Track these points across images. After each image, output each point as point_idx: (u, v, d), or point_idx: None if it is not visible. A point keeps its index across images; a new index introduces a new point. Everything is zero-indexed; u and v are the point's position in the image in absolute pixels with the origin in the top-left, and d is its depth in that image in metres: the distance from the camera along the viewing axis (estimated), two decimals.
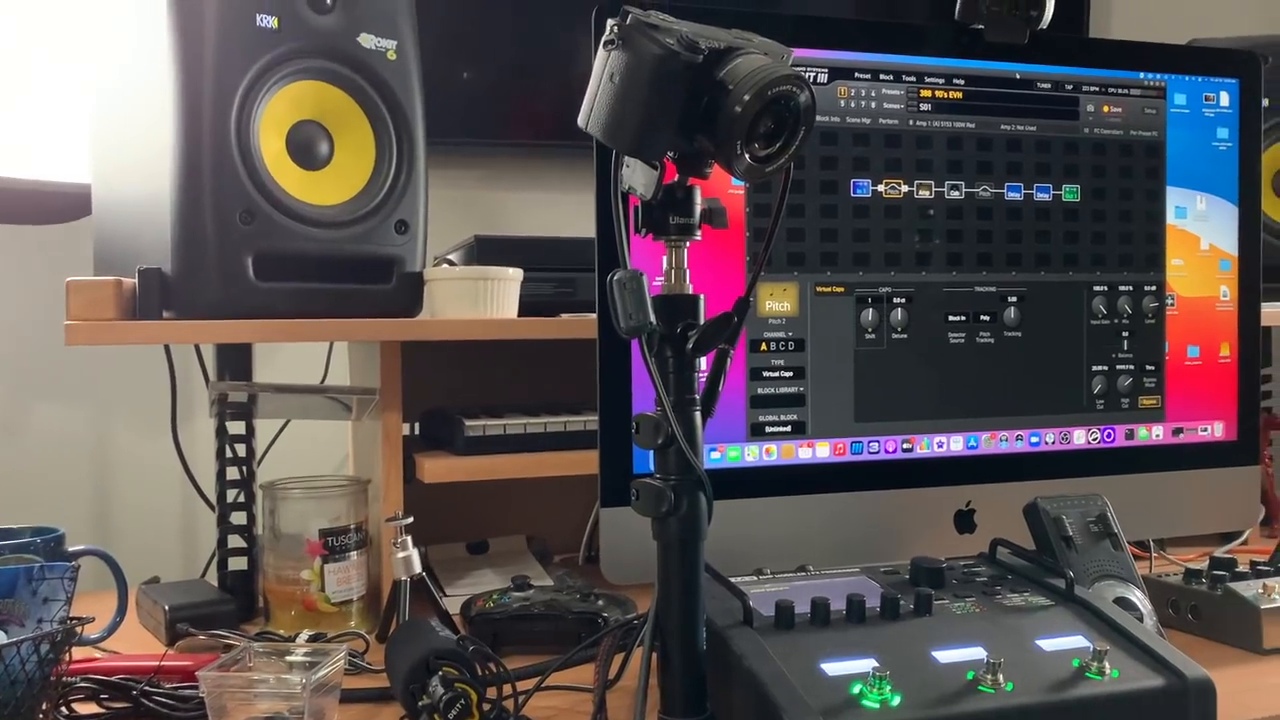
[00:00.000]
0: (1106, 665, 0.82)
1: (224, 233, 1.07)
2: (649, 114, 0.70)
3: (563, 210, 1.80)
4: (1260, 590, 1.07)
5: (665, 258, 0.79)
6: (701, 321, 0.79)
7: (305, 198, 1.13)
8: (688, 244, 0.79)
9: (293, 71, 1.11)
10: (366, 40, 1.15)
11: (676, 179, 0.78)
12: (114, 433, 1.63)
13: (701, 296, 0.80)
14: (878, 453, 1.13)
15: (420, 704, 0.79)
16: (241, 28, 1.08)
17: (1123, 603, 0.97)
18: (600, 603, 1.10)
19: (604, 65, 0.71)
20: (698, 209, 0.79)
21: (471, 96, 1.75)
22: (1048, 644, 0.85)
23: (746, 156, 0.72)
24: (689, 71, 0.70)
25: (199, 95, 1.06)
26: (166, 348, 1.40)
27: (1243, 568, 1.15)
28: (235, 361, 1.29)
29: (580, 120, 0.74)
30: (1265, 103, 1.56)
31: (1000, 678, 0.79)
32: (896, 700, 0.77)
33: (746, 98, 0.70)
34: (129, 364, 1.60)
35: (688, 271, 0.80)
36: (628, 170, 0.75)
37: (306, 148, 1.14)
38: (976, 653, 0.82)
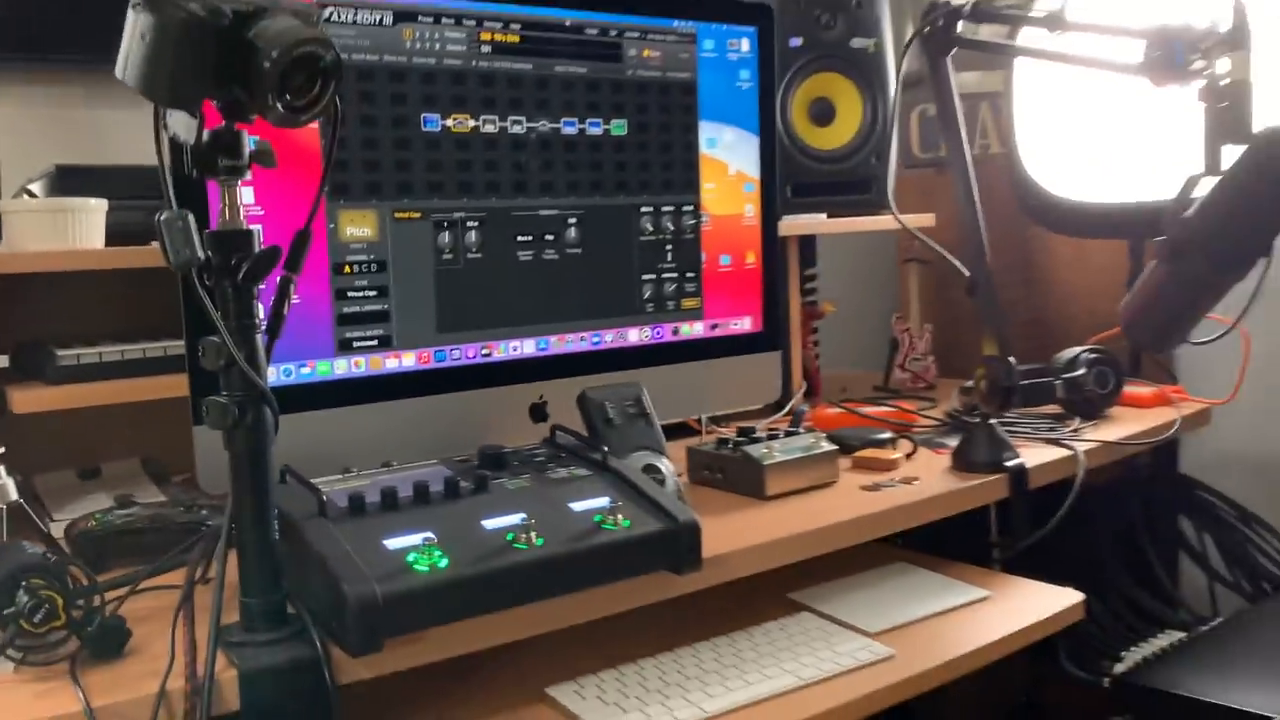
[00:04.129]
0: (619, 517, 1.03)
1: None
2: (180, 71, 0.78)
3: None
4: (765, 450, 1.34)
5: (219, 196, 0.88)
6: (255, 253, 0.89)
7: None
8: (238, 182, 0.88)
9: None
10: None
11: (224, 124, 0.86)
12: None
13: (255, 230, 0.89)
14: (459, 359, 1.28)
15: (5, 613, 0.85)
16: None
17: (650, 469, 1.19)
18: (204, 513, 1.18)
19: (134, 25, 0.78)
20: (246, 151, 0.88)
21: (72, 8, 1.66)
22: (578, 505, 1.05)
23: (279, 107, 0.82)
24: (216, 34, 0.79)
25: None
26: None
27: (761, 434, 1.42)
28: None
29: (117, 72, 0.81)
30: (800, 41, 1.85)
31: (532, 535, 0.98)
32: (444, 563, 0.93)
33: (274, 55, 0.80)
34: None
35: (241, 208, 0.89)
36: (171, 119, 0.83)
37: None
38: (517, 518, 1.00)
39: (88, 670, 0.87)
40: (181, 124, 0.82)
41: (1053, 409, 1.70)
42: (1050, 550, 1.38)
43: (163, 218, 0.81)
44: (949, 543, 1.47)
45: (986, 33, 1.71)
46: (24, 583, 0.87)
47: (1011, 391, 1.39)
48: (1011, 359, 1.40)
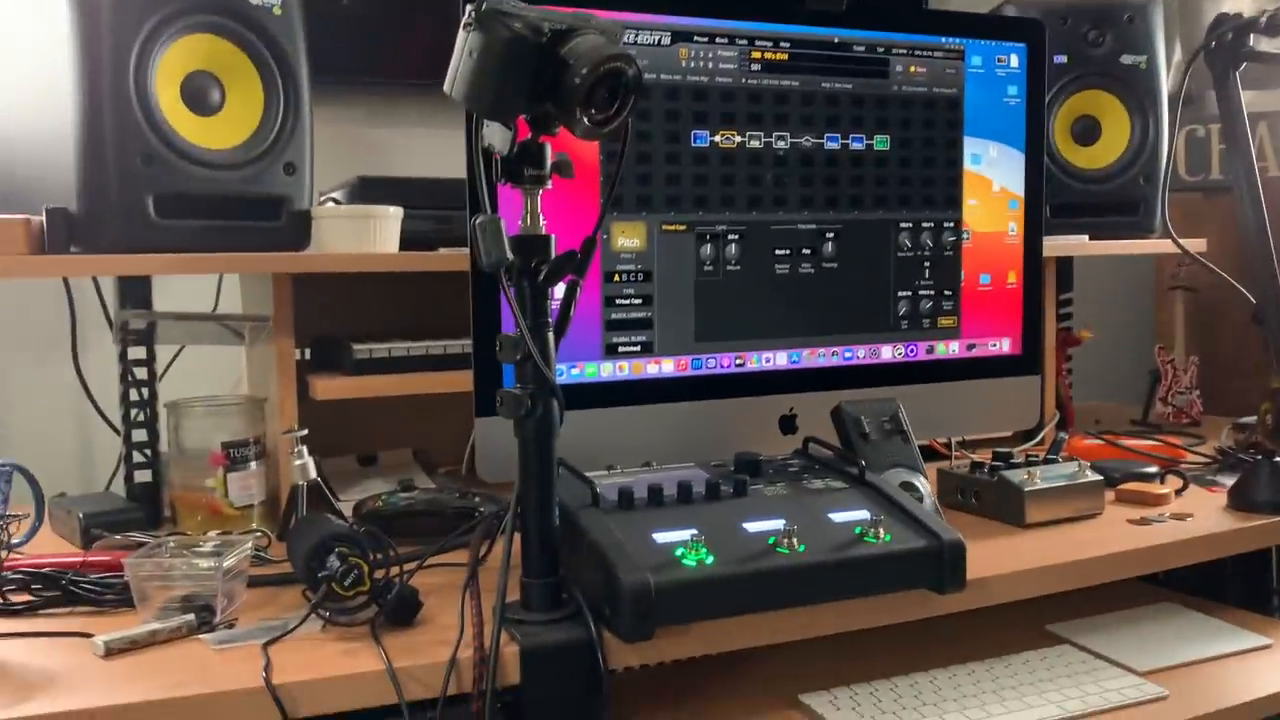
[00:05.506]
0: (881, 531, 1.03)
1: (126, 175, 1.18)
2: (502, 85, 0.85)
3: (445, 144, 1.90)
4: (1025, 476, 1.29)
5: (522, 203, 0.95)
6: (553, 257, 0.95)
7: (200, 142, 1.24)
8: (540, 191, 0.95)
9: (185, 26, 1.21)
10: None
11: (530, 137, 0.93)
12: (6, 363, 1.70)
13: (553, 236, 0.95)
14: (714, 368, 1.31)
15: (319, 575, 0.94)
16: None
17: (907, 486, 1.18)
18: (477, 499, 1.26)
19: (464, 43, 0.85)
20: (548, 162, 0.94)
21: (356, 34, 1.83)
22: (837, 516, 1.06)
23: (585, 120, 0.88)
24: (535, 50, 0.85)
25: (98, 50, 1.16)
26: (66, 281, 1.49)
27: (1018, 459, 1.37)
28: (136, 293, 1.39)
29: (445, 88, 0.88)
30: (1065, 59, 1.78)
31: (794, 541, 0.99)
32: (710, 560, 0.96)
33: (584, 72, 0.85)
34: (15, 300, 1.66)
35: (541, 215, 0.95)
36: (487, 130, 0.90)
37: (200, 96, 1.25)
38: (778, 523, 1.02)
39: (384, 635, 0.95)
40: (497, 135, 0.89)
41: None
42: None
43: (479, 221, 0.88)
44: (1222, 586, 1.38)
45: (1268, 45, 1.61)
46: (335, 549, 0.96)
47: None
48: None
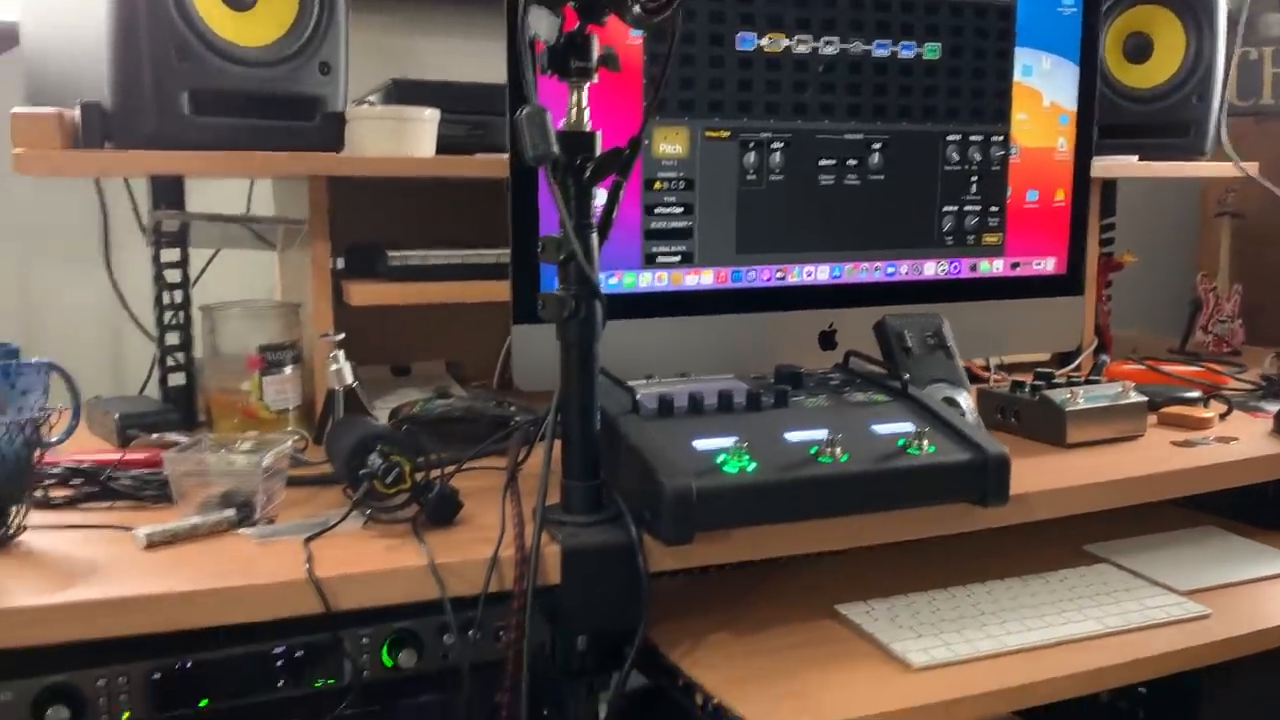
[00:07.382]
0: (924, 443, 1.01)
1: (160, 70, 1.15)
2: None
3: (478, 57, 1.86)
4: (1068, 396, 1.27)
5: (568, 97, 0.92)
6: (598, 154, 0.92)
7: (235, 38, 1.21)
8: (587, 85, 0.92)
9: None
10: None
11: (577, 27, 0.90)
12: (37, 267, 1.69)
13: (598, 133, 0.92)
14: (755, 280, 1.29)
15: (361, 473, 0.94)
16: None
17: (949, 401, 1.16)
18: (512, 408, 1.25)
19: None
20: (595, 54, 0.91)
21: None
22: (880, 428, 1.04)
23: (636, 7, 0.85)
24: None
25: None
26: (97, 181, 1.47)
27: (1059, 380, 1.35)
28: (169, 193, 1.37)
29: None
30: None
31: (837, 451, 0.98)
32: (752, 467, 0.95)
33: None
34: (46, 200, 1.65)
35: (587, 110, 0.92)
36: (533, 17, 0.87)
37: None
38: (821, 434, 1.00)
39: (424, 533, 0.94)
40: (544, 23, 0.86)
41: None
42: None
43: (525, 112, 0.85)
44: (1259, 511, 1.36)
45: None
46: (377, 447, 0.95)
47: None
48: None
